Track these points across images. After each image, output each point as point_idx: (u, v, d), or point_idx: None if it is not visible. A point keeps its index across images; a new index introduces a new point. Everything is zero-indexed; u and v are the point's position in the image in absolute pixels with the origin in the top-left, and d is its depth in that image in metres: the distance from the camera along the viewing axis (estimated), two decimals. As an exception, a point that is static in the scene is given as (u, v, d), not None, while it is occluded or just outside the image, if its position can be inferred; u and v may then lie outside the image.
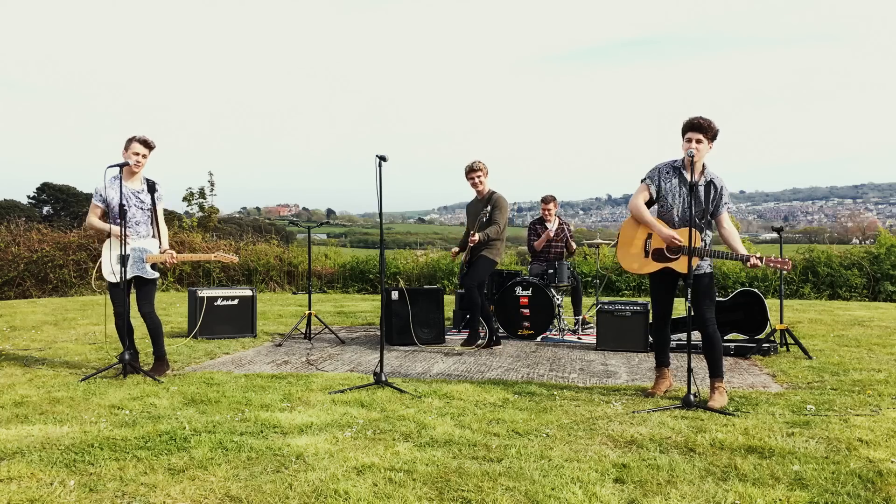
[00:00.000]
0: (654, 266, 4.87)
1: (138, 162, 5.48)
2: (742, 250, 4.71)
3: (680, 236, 4.74)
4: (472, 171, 7.06)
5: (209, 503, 3.01)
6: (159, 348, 5.67)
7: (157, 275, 5.61)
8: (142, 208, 5.58)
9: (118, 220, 5.38)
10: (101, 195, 5.56)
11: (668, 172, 4.86)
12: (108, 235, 5.51)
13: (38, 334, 7.94)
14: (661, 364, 5.09)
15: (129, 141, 5.49)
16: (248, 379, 5.43)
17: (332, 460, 3.50)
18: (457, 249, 7.48)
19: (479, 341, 7.04)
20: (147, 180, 5.62)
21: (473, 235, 6.83)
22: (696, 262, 4.65)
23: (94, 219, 5.63)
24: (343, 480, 3.21)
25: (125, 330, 5.51)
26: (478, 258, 6.98)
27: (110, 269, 5.54)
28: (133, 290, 5.63)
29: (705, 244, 4.79)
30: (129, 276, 5.47)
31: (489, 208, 6.91)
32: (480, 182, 7.05)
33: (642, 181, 4.94)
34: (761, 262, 4.60)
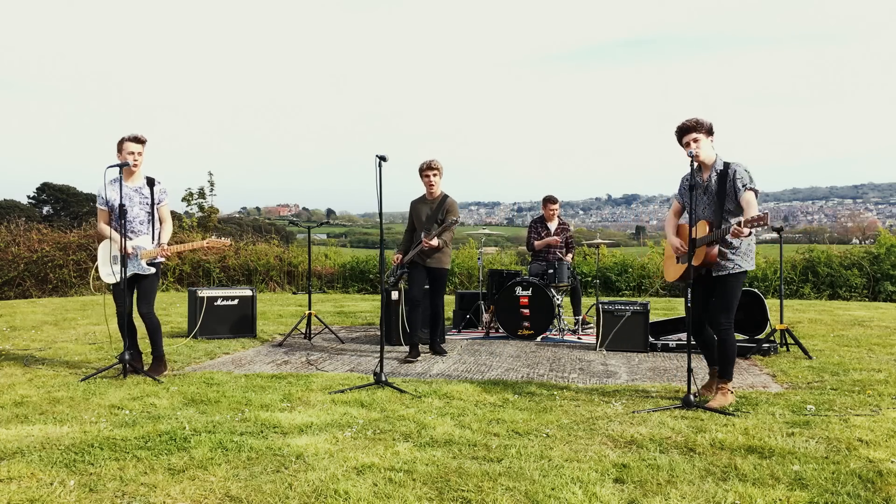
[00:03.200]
0: (681, 269, 4.88)
1: (135, 160, 5.50)
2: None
3: (697, 230, 4.66)
4: (428, 170, 6.57)
5: (209, 503, 3.01)
6: (157, 349, 5.68)
7: (153, 270, 5.58)
8: (143, 205, 5.61)
9: (119, 220, 5.46)
10: (103, 197, 5.58)
11: (686, 180, 4.91)
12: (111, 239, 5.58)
13: (38, 334, 7.93)
14: (712, 363, 4.91)
15: (121, 142, 5.50)
16: (248, 379, 5.43)
17: (332, 460, 3.50)
18: (400, 256, 6.79)
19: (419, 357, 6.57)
20: (147, 178, 5.64)
21: (431, 240, 6.32)
22: (712, 255, 4.58)
23: (102, 225, 5.66)
24: (343, 480, 3.21)
25: (126, 329, 5.53)
26: (436, 272, 6.58)
27: (107, 270, 5.62)
28: (134, 291, 5.66)
29: (714, 232, 4.53)
30: (127, 275, 5.49)
31: (444, 213, 6.50)
32: (436, 183, 6.60)
33: (673, 196, 5.05)
34: (740, 226, 4.23)
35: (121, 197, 5.45)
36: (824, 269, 13.76)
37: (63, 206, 39.50)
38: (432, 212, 6.58)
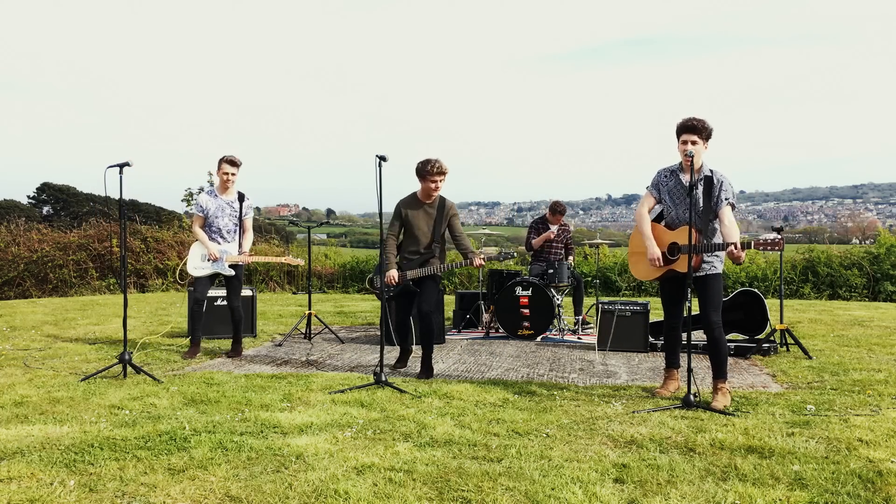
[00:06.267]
0: (660, 270, 4.87)
1: (228, 178, 6.43)
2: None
3: (676, 237, 4.76)
4: (439, 174, 5.63)
5: (209, 503, 3.01)
6: (239, 333, 6.65)
7: (233, 272, 6.49)
8: (233, 216, 6.52)
9: (213, 227, 6.46)
10: (201, 206, 6.50)
11: (666, 176, 4.91)
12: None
13: (38, 334, 7.93)
14: (671, 365, 5.08)
15: (220, 162, 6.44)
16: (248, 379, 5.43)
17: (332, 460, 3.50)
18: (396, 273, 5.72)
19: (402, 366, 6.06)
20: (239, 192, 6.55)
21: (481, 258, 5.53)
22: (696, 262, 4.64)
23: (196, 228, 6.59)
24: (343, 480, 3.21)
25: (200, 317, 6.60)
26: (430, 279, 5.78)
27: (195, 264, 6.52)
28: (225, 286, 6.68)
29: (707, 243, 4.66)
30: (211, 272, 6.48)
31: (449, 219, 5.77)
32: (441, 188, 5.74)
33: (647, 189, 5.01)
34: (736, 248, 4.37)
35: (120, 197, 5.49)
36: (824, 269, 13.76)
37: (63, 206, 39.51)
38: (433, 218, 5.76)
